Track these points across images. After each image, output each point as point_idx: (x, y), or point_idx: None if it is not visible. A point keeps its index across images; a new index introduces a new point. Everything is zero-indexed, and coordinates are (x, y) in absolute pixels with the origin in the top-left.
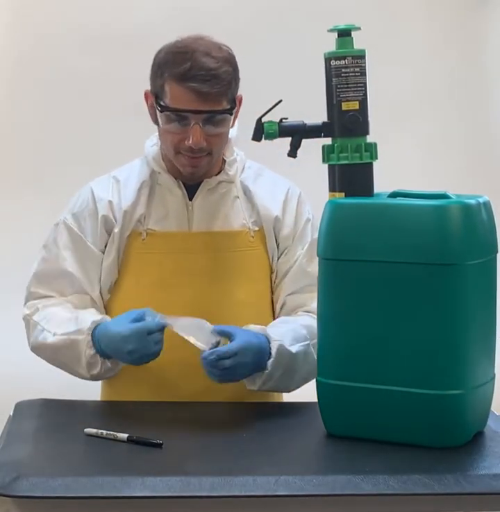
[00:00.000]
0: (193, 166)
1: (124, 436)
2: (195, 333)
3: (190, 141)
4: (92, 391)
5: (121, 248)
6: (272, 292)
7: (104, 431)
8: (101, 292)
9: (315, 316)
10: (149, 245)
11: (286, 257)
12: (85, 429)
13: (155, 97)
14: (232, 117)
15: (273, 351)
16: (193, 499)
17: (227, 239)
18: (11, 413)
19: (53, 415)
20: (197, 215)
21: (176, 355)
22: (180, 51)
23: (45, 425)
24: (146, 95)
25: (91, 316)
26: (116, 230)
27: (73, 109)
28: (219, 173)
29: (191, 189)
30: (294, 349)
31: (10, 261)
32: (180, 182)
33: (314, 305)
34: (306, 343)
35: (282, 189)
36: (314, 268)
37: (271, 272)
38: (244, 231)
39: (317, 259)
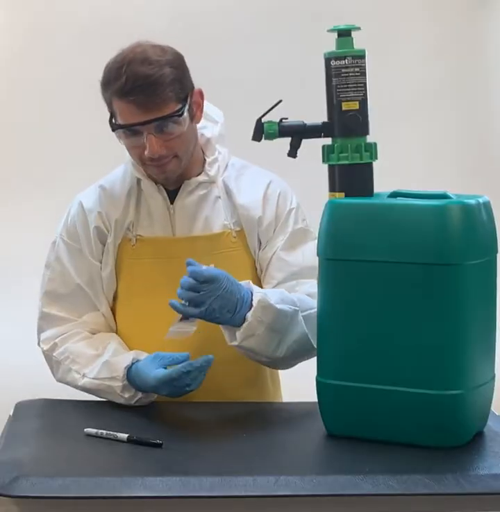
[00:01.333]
0: (162, 172)
1: (124, 436)
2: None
3: (147, 152)
4: None
5: (115, 257)
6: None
7: (104, 431)
8: (108, 302)
9: (304, 295)
10: (138, 252)
11: (265, 250)
12: (85, 429)
13: (110, 115)
14: (187, 115)
15: (255, 302)
16: (193, 499)
17: (208, 242)
18: (11, 413)
19: (53, 415)
20: (179, 219)
21: None
22: (117, 66)
23: (45, 425)
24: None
25: (121, 360)
26: (109, 241)
27: (74, 111)
28: (199, 173)
29: (174, 192)
30: (279, 306)
31: (10, 263)
32: (161, 187)
33: (304, 287)
34: (294, 307)
35: (262, 185)
36: (297, 257)
37: (256, 270)
38: (226, 232)
39: (303, 248)
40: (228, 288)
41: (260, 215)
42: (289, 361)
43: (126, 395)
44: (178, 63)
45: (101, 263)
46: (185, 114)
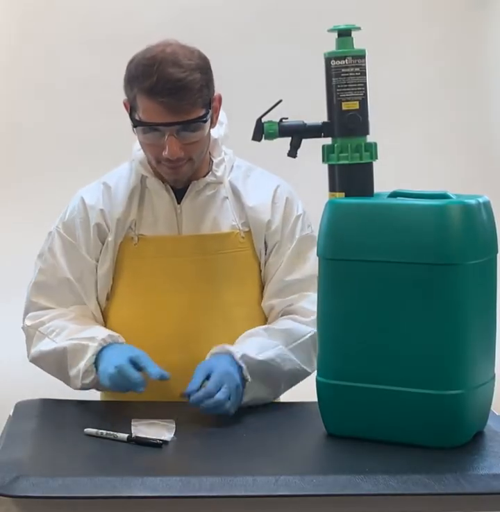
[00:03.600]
0: (175, 174)
1: (124, 436)
2: None
3: (166, 153)
4: (92, 391)
5: (115, 255)
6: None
7: (104, 431)
8: (98, 301)
9: (298, 317)
10: (141, 250)
11: (274, 258)
12: (85, 429)
13: (130, 109)
14: (209, 120)
15: (241, 363)
16: (193, 499)
17: (216, 241)
18: (11, 413)
19: (53, 415)
20: (186, 218)
21: (175, 356)
22: (148, 63)
23: (45, 425)
24: (125, 105)
25: (107, 331)
26: (110, 239)
27: (75, 111)
28: (206, 174)
29: (180, 192)
30: (260, 356)
31: (10, 262)
32: (168, 186)
33: (300, 304)
34: (277, 348)
35: (271, 189)
36: (300, 266)
37: (260, 272)
38: (234, 232)
39: (309, 255)
40: (221, 369)
41: (269, 219)
42: (284, 391)
43: (92, 359)
44: (206, 68)
45: (97, 261)
46: (208, 119)
